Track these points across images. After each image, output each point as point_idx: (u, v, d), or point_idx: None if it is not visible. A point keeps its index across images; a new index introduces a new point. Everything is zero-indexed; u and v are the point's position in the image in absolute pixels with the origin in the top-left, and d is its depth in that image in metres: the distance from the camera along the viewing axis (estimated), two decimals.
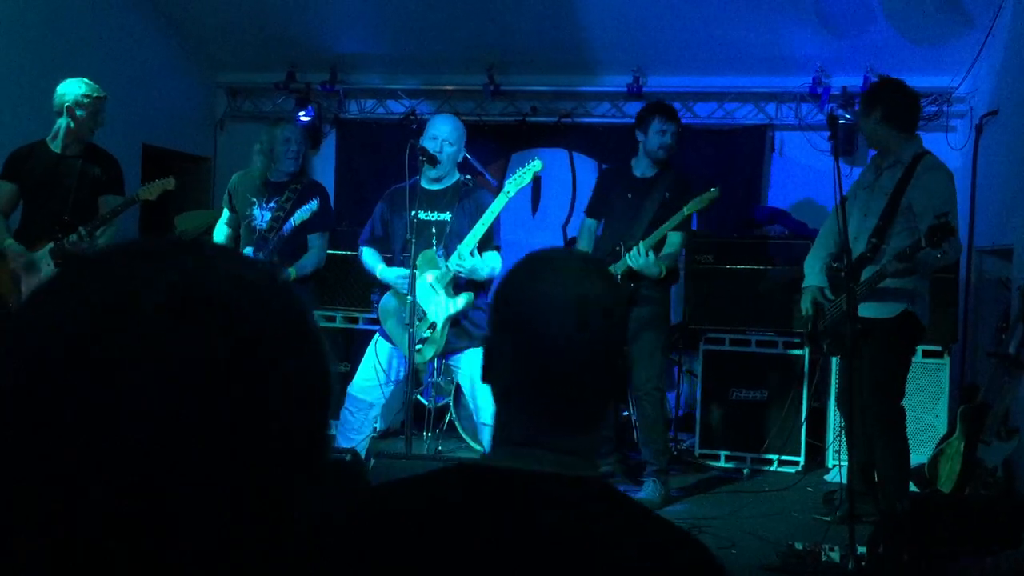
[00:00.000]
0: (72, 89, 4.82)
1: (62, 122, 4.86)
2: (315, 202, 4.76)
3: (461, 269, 4.44)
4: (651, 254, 4.87)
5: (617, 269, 4.92)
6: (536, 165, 4.63)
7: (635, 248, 4.86)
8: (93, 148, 5.00)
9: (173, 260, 0.63)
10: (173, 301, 0.59)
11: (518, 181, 4.59)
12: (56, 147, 4.91)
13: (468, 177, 4.79)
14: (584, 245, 5.29)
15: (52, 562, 0.56)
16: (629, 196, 5.13)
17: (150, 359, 0.57)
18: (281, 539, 0.61)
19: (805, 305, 4.60)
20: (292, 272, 4.84)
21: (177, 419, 0.57)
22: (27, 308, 0.61)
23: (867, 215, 4.38)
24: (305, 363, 0.64)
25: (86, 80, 4.88)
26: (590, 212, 5.41)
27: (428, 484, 1.22)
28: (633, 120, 7.04)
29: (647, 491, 5.05)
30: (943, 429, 5.29)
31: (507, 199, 4.54)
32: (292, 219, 4.75)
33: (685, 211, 4.93)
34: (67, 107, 4.82)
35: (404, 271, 4.50)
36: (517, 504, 1.15)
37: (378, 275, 4.73)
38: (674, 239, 5.04)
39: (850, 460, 4.74)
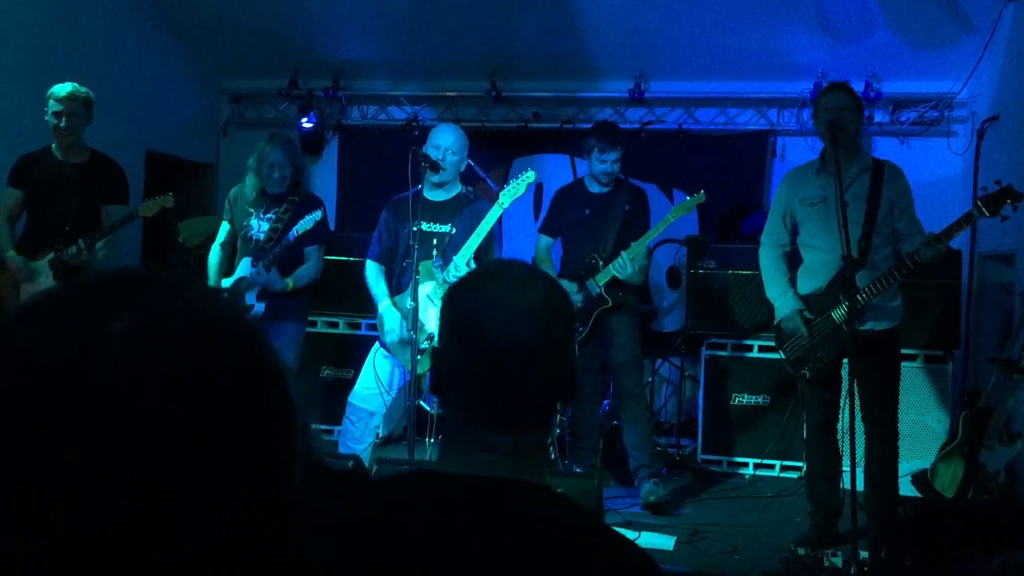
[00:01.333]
0: (51, 92, 4.80)
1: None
2: (319, 212, 4.77)
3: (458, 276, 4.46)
4: (633, 264, 4.99)
5: (600, 280, 5.08)
6: (530, 176, 4.67)
7: (619, 259, 4.97)
8: (98, 156, 4.99)
9: (136, 295, 0.64)
10: (134, 337, 0.60)
11: (512, 192, 4.63)
12: (58, 153, 4.90)
13: (469, 189, 4.81)
14: (544, 262, 5.39)
15: (52, 562, 0.56)
16: (587, 212, 5.25)
17: (113, 393, 0.58)
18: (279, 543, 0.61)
19: (795, 326, 4.36)
20: (290, 283, 4.86)
21: (172, 422, 0.58)
22: (19, 320, 0.62)
23: (841, 226, 4.25)
24: (262, 392, 0.65)
25: (68, 84, 4.83)
26: (546, 230, 5.50)
27: (382, 490, 1.24)
28: (636, 126, 7.05)
29: (651, 493, 5.03)
30: (945, 434, 5.29)
31: (502, 210, 4.59)
32: (295, 229, 4.75)
33: (671, 217, 5.05)
34: (45, 111, 4.82)
35: (398, 318, 4.54)
36: (462, 509, 1.17)
37: (379, 308, 4.73)
38: (638, 247, 5.13)
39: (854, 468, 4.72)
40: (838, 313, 4.22)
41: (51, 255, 4.80)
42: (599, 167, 5.20)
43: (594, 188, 5.32)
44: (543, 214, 5.79)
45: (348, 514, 1.17)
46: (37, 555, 0.57)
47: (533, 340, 1.23)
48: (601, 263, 5.11)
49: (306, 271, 4.97)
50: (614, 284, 5.07)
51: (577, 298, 5.10)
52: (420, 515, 1.16)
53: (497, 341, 1.22)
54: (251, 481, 0.63)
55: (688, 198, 5.15)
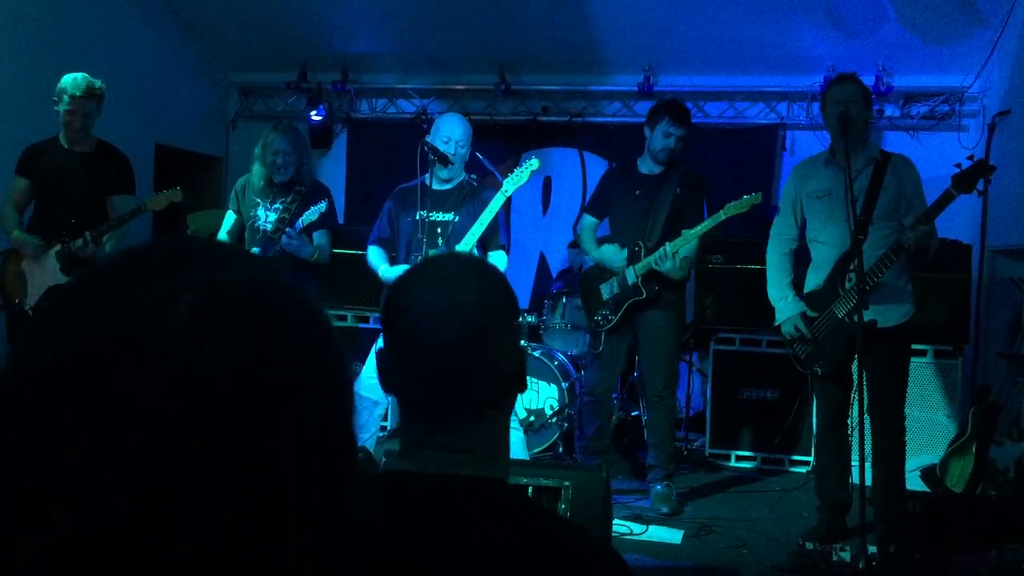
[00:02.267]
0: (64, 85, 4.79)
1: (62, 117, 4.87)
2: (324, 203, 4.76)
3: None
4: (677, 257, 4.76)
5: (638, 270, 4.87)
6: (534, 164, 4.64)
7: (661, 251, 4.74)
8: (104, 146, 4.98)
9: (198, 265, 0.63)
10: (201, 307, 0.59)
11: (516, 180, 4.60)
12: (64, 142, 4.91)
13: (473, 177, 4.79)
14: (586, 243, 5.20)
15: (52, 562, 0.56)
16: (637, 193, 4.99)
17: (175, 364, 0.57)
18: (284, 542, 0.61)
19: (789, 330, 4.38)
20: (315, 252, 4.85)
21: (187, 421, 0.56)
22: (46, 309, 0.61)
23: (848, 219, 4.23)
24: (327, 369, 0.64)
25: (79, 74, 4.81)
26: (591, 210, 5.24)
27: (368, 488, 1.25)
28: (644, 119, 7.02)
29: (659, 496, 4.94)
30: (954, 429, 5.28)
31: (504, 198, 4.55)
32: (300, 220, 4.75)
33: (723, 215, 4.71)
34: (54, 100, 4.82)
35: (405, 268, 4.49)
36: (407, 507, 1.18)
37: (381, 275, 4.70)
38: (690, 234, 4.85)
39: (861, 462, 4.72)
40: (840, 307, 4.21)
41: (58, 247, 4.81)
42: (661, 142, 4.91)
43: (644, 168, 5.04)
44: (551, 203, 5.66)
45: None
46: (37, 555, 0.57)
47: (462, 338, 1.21)
48: (644, 251, 4.88)
49: (322, 249, 4.92)
50: (652, 276, 4.84)
51: (606, 288, 4.99)
52: (380, 515, 1.17)
53: (424, 341, 1.21)
54: (319, 458, 0.62)
55: (745, 197, 4.75)
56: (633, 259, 4.92)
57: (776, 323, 4.48)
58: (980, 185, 3.95)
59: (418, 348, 1.22)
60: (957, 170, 3.94)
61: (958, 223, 6.29)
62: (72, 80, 4.75)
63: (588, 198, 5.47)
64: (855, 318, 4.10)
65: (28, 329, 0.61)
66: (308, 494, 0.61)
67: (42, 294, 4.81)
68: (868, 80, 6.67)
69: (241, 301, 0.61)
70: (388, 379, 1.29)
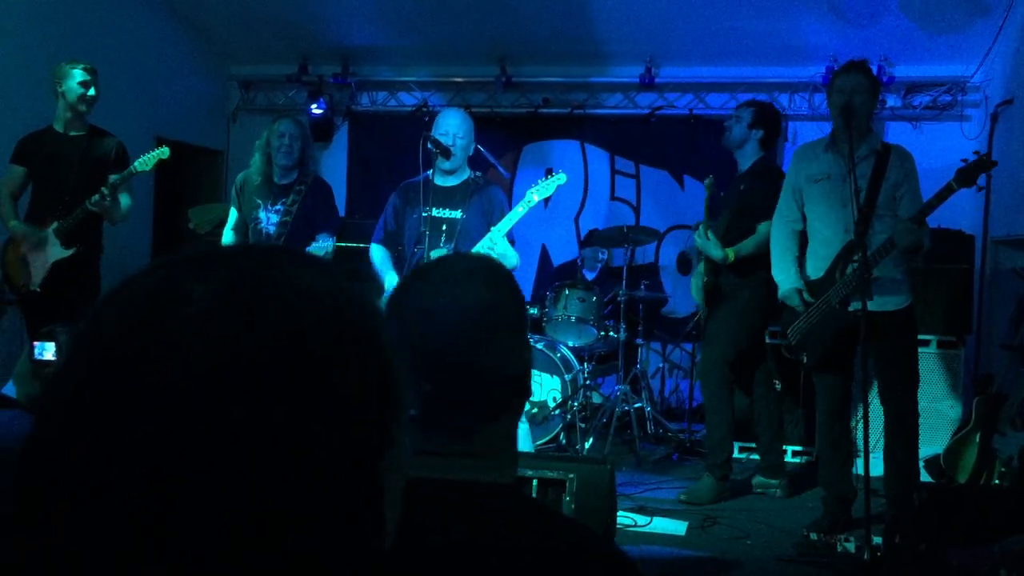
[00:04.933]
0: (67, 67, 4.96)
1: (60, 102, 4.99)
2: (330, 243, 4.77)
3: (492, 251, 4.46)
4: (711, 235, 4.84)
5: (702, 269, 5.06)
6: (561, 178, 4.71)
7: (699, 227, 4.89)
8: (95, 130, 5.09)
9: (229, 262, 0.63)
10: (222, 298, 0.59)
11: (542, 190, 4.66)
12: (59, 127, 5.02)
13: (478, 173, 4.78)
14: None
15: (57, 561, 0.56)
16: (741, 187, 5.04)
17: (189, 353, 0.57)
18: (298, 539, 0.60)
19: (797, 302, 4.35)
20: (329, 246, 4.88)
21: (199, 415, 0.56)
22: (95, 307, 0.62)
23: (845, 205, 4.18)
24: (360, 376, 0.63)
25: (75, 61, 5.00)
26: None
27: None
28: (647, 111, 6.97)
29: (698, 485, 5.01)
30: (958, 420, 5.28)
31: (528, 208, 4.60)
32: (313, 245, 4.77)
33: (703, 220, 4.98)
34: (56, 83, 4.97)
35: None
36: (416, 512, 1.16)
37: (386, 284, 4.67)
38: (762, 228, 4.79)
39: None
40: (834, 294, 4.22)
41: (55, 224, 4.89)
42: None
43: (739, 162, 5.10)
44: (552, 195, 5.46)
45: None
46: (41, 554, 0.57)
47: (463, 341, 1.19)
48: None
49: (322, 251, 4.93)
50: (712, 270, 4.98)
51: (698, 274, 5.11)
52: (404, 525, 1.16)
53: (427, 345, 1.19)
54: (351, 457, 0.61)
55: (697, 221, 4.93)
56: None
57: (779, 298, 4.49)
58: (981, 180, 3.95)
59: (420, 353, 1.19)
60: (962, 164, 3.93)
61: (960, 214, 6.28)
62: (73, 65, 4.95)
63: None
64: (849, 307, 4.14)
65: (75, 337, 0.62)
66: (322, 489, 0.60)
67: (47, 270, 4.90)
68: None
69: (256, 298, 0.61)
70: None
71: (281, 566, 0.58)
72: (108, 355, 0.58)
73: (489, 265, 1.30)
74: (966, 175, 3.89)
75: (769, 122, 5.00)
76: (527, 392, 1.28)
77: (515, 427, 1.29)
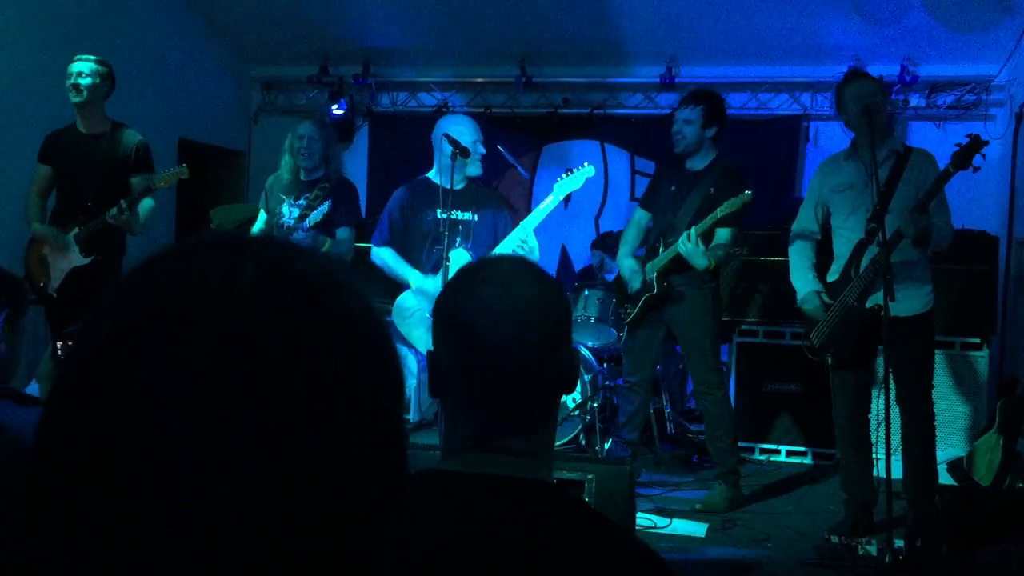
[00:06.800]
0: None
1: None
2: (327, 204, 4.78)
3: (522, 249, 4.47)
4: (700, 242, 4.61)
5: (655, 266, 4.82)
6: (589, 171, 4.68)
7: (685, 234, 4.62)
8: (117, 127, 5.06)
9: (256, 244, 0.64)
10: (265, 278, 0.60)
11: (570, 184, 4.66)
12: (80, 126, 5.01)
13: (479, 176, 4.82)
14: (630, 237, 5.13)
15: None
16: (673, 189, 4.90)
17: (240, 334, 0.58)
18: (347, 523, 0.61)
19: (813, 306, 4.36)
20: (327, 242, 4.88)
21: (252, 390, 0.57)
22: (115, 290, 0.62)
23: (868, 211, 4.19)
24: (382, 351, 0.65)
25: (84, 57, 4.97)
26: (643, 204, 5.17)
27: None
28: (667, 111, 6.93)
29: (709, 494, 4.91)
30: (981, 422, 5.23)
31: (559, 200, 4.64)
32: (308, 220, 4.79)
33: (719, 213, 4.59)
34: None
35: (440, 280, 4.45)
36: (470, 508, 1.16)
37: (412, 283, 4.62)
38: (723, 234, 4.73)
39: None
40: (851, 292, 4.22)
41: (76, 230, 4.91)
42: (672, 127, 4.87)
43: (689, 163, 4.88)
44: (572, 195, 5.41)
45: None
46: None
47: (522, 339, 1.21)
48: (663, 248, 4.82)
49: (333, 250, 4.91)
50: (669, 272, 4.78)
51: (635, 281, 4.94)
52: (446, 517, 1.15)
53: (485, 344, 1.20)
54: (366, 440, 0.62)
55: (733, 199, 4.56)
56: (651, 255, 4.89)
57: (798, 304, 4.47)
58: (977, 161, 3.94)
59: (476, 352, 1.21)
60: (956, 148, 3.95)
61: (985, 214, 6.23)
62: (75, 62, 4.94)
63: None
64: (867, 303, 4.14)
65: (94, 311, 0.62)
66: (362, 470, 0.61)
67: (62, 277, 4.91)
68: (893, 69, 6.65)
69: (302, 275, 0.62)
70: (440, 382, 1.27)
71: (338, 529, 0.59)
72: (154, 335, 0.58)
73: (534, 266, 1.33)
74: (961, 157, 3.92)
75: (721, 117, 4.84)
76: (571, 388, 1.29)
77: (556, 426, 1.31)
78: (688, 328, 4.85)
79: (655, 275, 4.83)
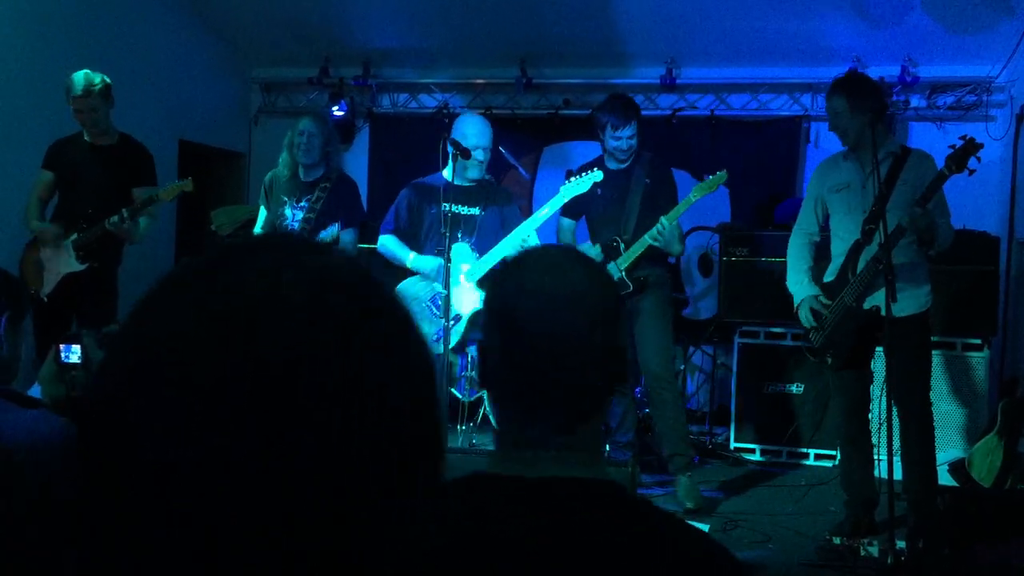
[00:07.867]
0: (67, 85, 4.88)
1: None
2: (335, 227, 4.80)
3: (526, 244, 4.53)
4: (675, 228, 4.77)
5: (621, 264, 4.84)
6: (597, 175, 4.74)
7: (658, 225, 4.70)
8: (126, 139, 5.06)
9: (299, 254, 0.65)
10: (312, 282, 0.61)
11: (576, 187, 4.73)
12: (87, 136, 5.00)
13: (489, 176, 4.87)
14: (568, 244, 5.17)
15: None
16: (599, 192, 4.95)
17: (291, 336, 0.59)
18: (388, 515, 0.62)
19: (805, 315, 4.40)
20: (336, 231, 4.92)
21: (303, 390, 0.58)
22: (159, 291, 0.63)
23: (865, 211, 4.22)
24: (382, 360, 0.64)
25: (80, 72, 4.89)
26: (565, 212, 5.15)
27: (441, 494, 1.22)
28: (668, 112, 6.95)
29: (684, 488, 4.89)
30: (982, 423, 5.23)
31: (563, 201, 4.69)
32: (321, 233, 4.81)
33: (692, 197, 4.74)
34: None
35: (439, 261, 4.54)
36: (525, 513, 1.13)
37: (409, 264, 4.73)
38: (665, 222, 4.79)
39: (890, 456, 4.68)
40: (848, 293, 4.23)
41: (75, 236, 4.90)
42: (613, 144, 4.89)
43: (612, 165, 4.98)
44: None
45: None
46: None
47: (575, 328, 1.19)
48: (623, 246, 4.86)
49: (345, 247, 4.94)
50: (636, 267, 4.83)
51: None
52: (506, 524, 1.12)
53: (538, 332, 1.18)
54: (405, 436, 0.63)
55: (710, 177, 4.82)
56: (613, 255, 4.89)
57: (795, 308, 4.50)
58: (973, 163, 3.96)
59: (528, 340, 1.19)
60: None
61: (985, 215, 6.22)
62: (72, 80, 4.85)
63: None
64: (864, 304, 4.14)
65: (132, 320, 0.62)
66: (363, 470, 0.61)
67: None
68: (894, 70, 6.65)
69: (343, 278, 0.64)
70: (492, 375, 1.25)
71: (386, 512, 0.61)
72: (207, 336, 0.59)
73: (582, 254, 1.32)
74: (956, 160, 3.94)
75: (643, 123, 5.03)
76: (624, 380, 1.28)
77: (603, 422, 1.30)
78: (650, 320, 4.89)
79: (623, 273, 4.85)
